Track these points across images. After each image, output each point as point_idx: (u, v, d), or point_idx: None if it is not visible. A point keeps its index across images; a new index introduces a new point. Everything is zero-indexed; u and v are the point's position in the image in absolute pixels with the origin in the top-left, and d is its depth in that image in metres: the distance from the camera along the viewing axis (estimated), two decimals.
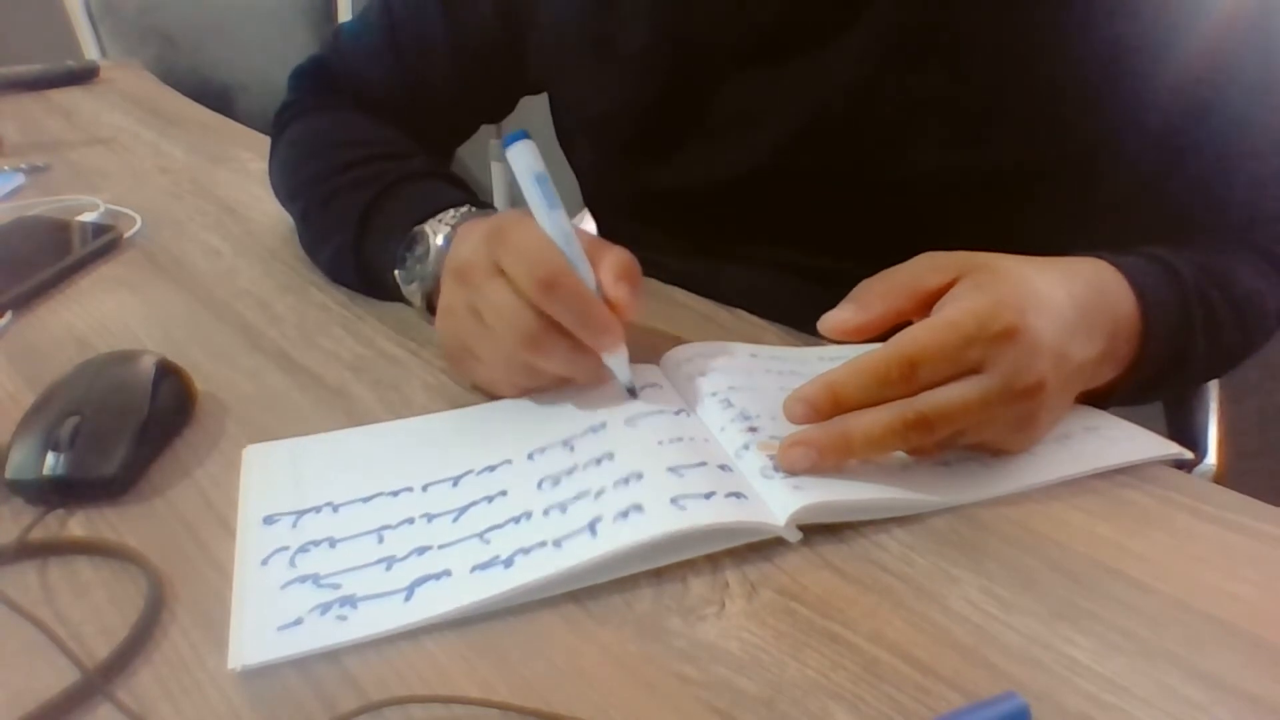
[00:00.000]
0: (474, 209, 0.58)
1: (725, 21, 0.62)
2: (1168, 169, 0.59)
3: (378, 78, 0.74)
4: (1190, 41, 0.55)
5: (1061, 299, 0.45)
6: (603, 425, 0.47)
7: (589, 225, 0.84)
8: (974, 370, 0.42)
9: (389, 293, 0.61)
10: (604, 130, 0.70)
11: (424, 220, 0.58)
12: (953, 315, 0.43)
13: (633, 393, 0.49)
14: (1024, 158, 0.58)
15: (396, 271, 0.59)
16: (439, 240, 0.56)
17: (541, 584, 0.38)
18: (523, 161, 0.48)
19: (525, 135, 0.48)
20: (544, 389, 0.50)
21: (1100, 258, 0.50)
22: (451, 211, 0.58)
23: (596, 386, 0.50)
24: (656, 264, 0.71)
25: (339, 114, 0.75)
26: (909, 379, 0.42)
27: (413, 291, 0.59)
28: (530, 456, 0.46)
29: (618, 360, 0.48)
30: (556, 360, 0.47)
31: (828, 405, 0.43)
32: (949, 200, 0.60)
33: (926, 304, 0.46)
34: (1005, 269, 0.45)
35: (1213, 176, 0.59)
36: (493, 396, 0.52)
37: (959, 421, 0.42)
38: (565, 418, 0.49)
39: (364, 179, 0.64)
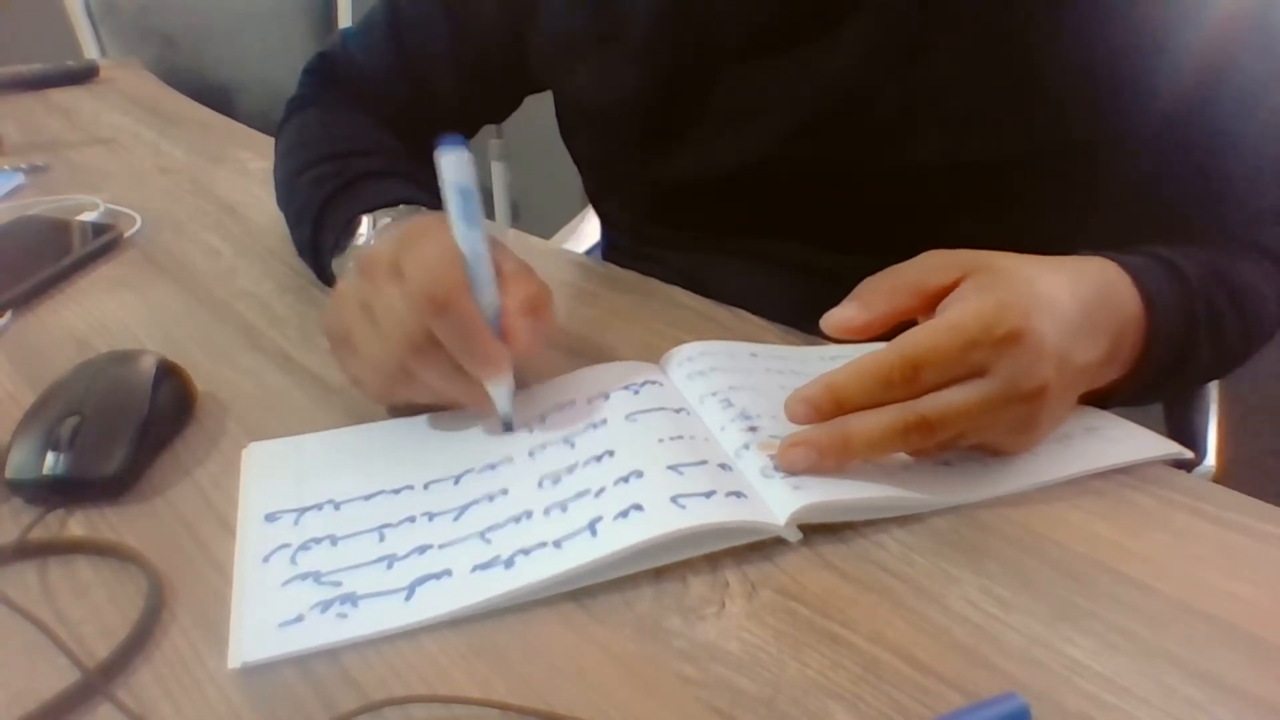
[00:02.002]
0: (423, 208, 0.58)
1: (728, 14, 0.62)
2: (1169, 164, 0.59)
3: (381, 76, 0.75)
4: (1190, 37, 0.55)
5: (1066, 301, 0.45)
6: (603, 421, 0.47)
7: (591, 225, 0.84)
8: (977, 373, 0.42)
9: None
10: (607, 124, 0.70)
11: (369, 212, 0.58)
12: (956, 317, 0.43)
13: (508, 427, 0.48)
14: (1026, 150, 0.58)
15: (334, 259, 0.59)
16: (372, 231, 0.57)
17: (542, 585, 0.38)
18: (450, 172, 0.46)
19: (462, 144, 0.46)
20: (410, 397, 0.49)
21: (1105, 257, 0.50)
22: (403, 206, 0.58)
23: (597, 375, 0.50)
24: (659, 259, 0.71)
25: (330, 111, 0.75)
26: (911, 381, 0.42)
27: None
28: (531, 454, 0.46)
29: (499, 390, 0.47)
30: (435, 374, 0.46)
31: (829, 406, 0.43)
32: (951, 192, 0.60)
33: (930, 303, 0.46)
34: (1010, 270, 0.45)
35: (1214, 172, 0.59)
36: (361, 391, 0.50)
37: (960, 424, 0.42)
38: (566, 413, 0.49)
39: (325, 176, 0.64)
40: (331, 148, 0.68)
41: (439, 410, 0.50)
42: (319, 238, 0.63)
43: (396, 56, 0.74)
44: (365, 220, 0.58)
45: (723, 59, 0.63)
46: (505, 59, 0.73)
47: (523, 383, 0.52)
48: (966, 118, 0.58)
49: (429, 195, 0.61)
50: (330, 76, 0.78)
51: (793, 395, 0.43)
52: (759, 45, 0.62)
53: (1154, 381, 0.51)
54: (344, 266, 0.58)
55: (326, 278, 0.64)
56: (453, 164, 0.46)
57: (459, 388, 0.47)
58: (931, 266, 0.47)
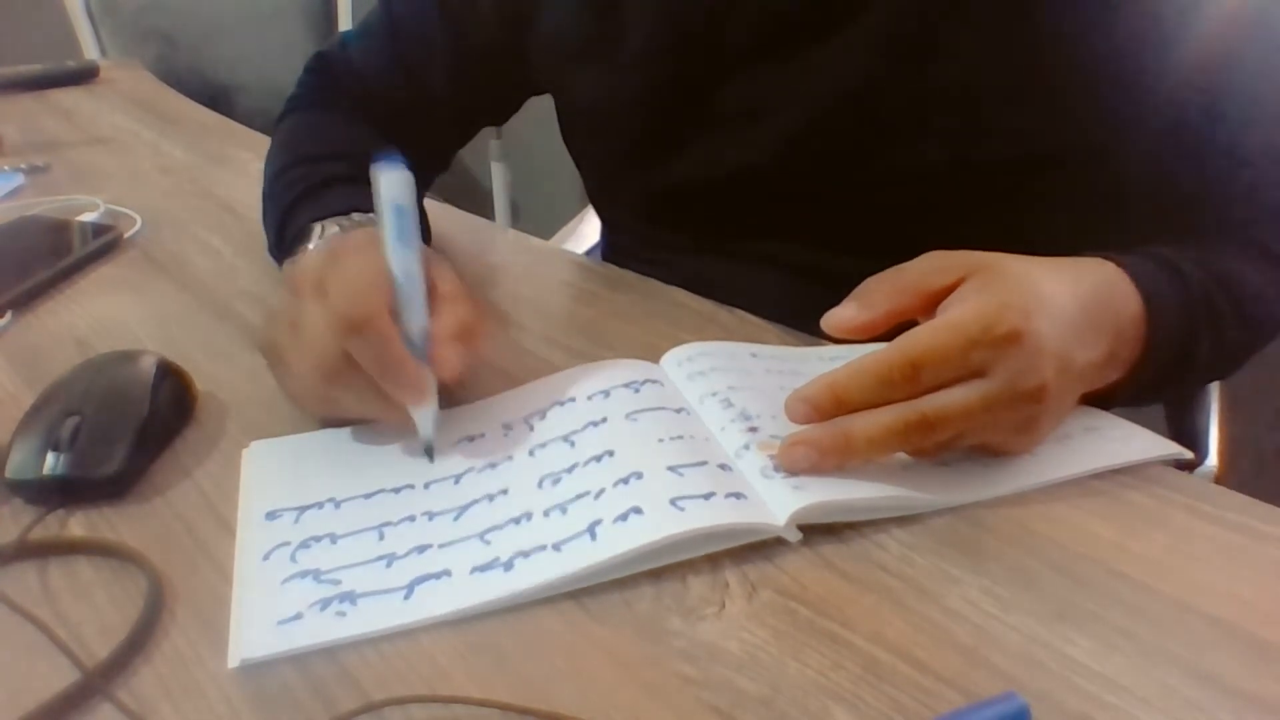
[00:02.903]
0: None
1: (730, 16, 0.62)
2: (1173, 164, 0.59)
3: (377, 78, 0.75)
4: (1196, 35, 0.55)
5: (1066, 301, 0.45)
6: (604, 420, 0.47)
7: (591, 225, 0.84)
8: (977, 373, 0.42)
9: None
10: (609, 127, 0.70)
11: (321, 220, 0.58)
12: (957, 317, 0.43)
13: (429, 454, 0.47)
14: (1030, 151, 0.58)
15: (285, 264, 0.59)
16: (321, 239, 0.56)
17: (540, 588, 0.38)
18: (386, 190, 0.45)
19: (400, 163, 0.46)
20: (336, 414, 0.48)
21: (1105, 258, 0.50)
22: (355, 215, 0.58)
23: (598, 373, 0.50)
24: (661, 261, 0.71)
25: (323, 113, 0.76)
26: (911, 381, 0.42)
27: None
28: (531, 452, 0.46)
29: (422, 415, 0.46)
30: (352, 398, 0.46)
31: (829, 405, 0.43)
32: (955, 193, 0.60)
33: (931, 304, 0.46)
34: (1010, 270, 0.45)
35: (1217, 172, 0.59)
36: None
37: (960, 424, 0.42)
38: (566, 411, 0.49)
39: (298, 178, 0.65)
40: (309, 150, 0.69)
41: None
42: (281, 241, 0.63)
43: (393, 59, 0.74)
44: (316, 228, 0.57)
45: (726, 62, 0.63)
46: (503, 62, 0.73)
47: (522, 381, 0.53)
48: (973, 118, 0.58)
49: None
50: (328, 78, 0.78)
51: (793, 395, 0.43)
52: (764, 48, 0.62)
53: (1155, 382, 0.51)
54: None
55: None
56: (389, 182, 0.45)
57: (379, 410, 0.46)
58: (932, 267, 0.47)
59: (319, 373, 0.45)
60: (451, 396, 0.51)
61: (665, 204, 0.70)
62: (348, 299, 0.44)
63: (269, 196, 0.68)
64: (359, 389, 0.45)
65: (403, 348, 0.44)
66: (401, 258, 0.45)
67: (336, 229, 0.57)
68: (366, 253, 0.46)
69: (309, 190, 0.62)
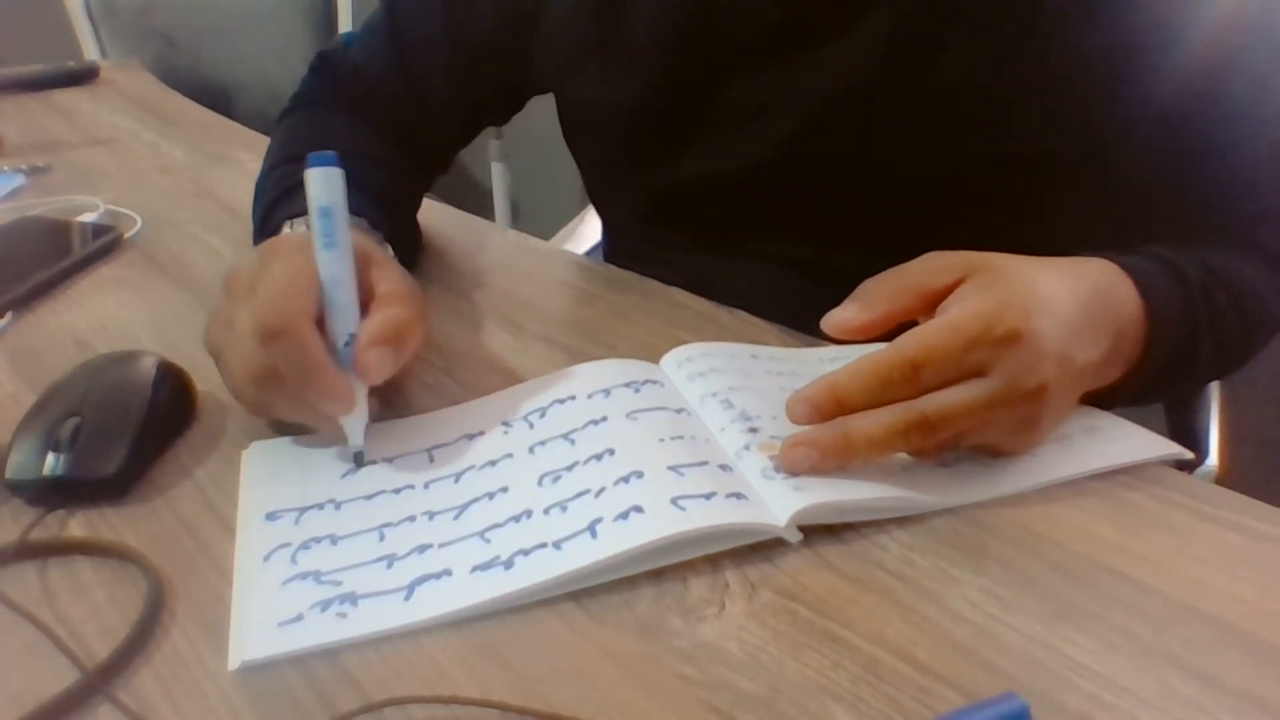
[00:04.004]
0: (357, 219, 0.57)
1: (732, 15, 0.62)
2: (1174, 163, 0.59)
3: (379, 78, 0.75)
4: (1196, 35, 0.55)
5: (1066, 301, 0.45)
6: (604, 418, 0.47)
7: (591, 225, 0.84)
8: (977, 373, 0.42)
9: None
10: (611, 127, 0.70)
11: (293, 219, 0.58)
12: (957, 317, 0.43)
13: (359, 462, 0.46)
14: (1034, 149, 0.58)
15: None
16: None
17: (541, 587, 0.38)
18: (314, 190, 0.45)
19: (331, 161, 0.45)
20: (273, 416, 0.48)
21: (1105, 258, 0.50)
22: None
23: (598, 372, 0.50)
24: (662, 261, 0.71)
25: (323, 112, 0.76)
26: (912, 381, 0.42)
27: None
28: (531, 450, 0.46)
29: (351, 422, 0.45)
30: (282, 403, 0.46)
31: (830, 406, 0.43)
32: (956, 193, 0.60)
33: (931, 304, 0.46)
34: (1010, 270, 0.45)
35: (1217, 172, 0.59)
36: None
37: (961, 424, 0.42)
38: (566, 409, 0.49)
39: (284, 175, 0.65)
40: (299, 149, 0.68)
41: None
42: (259, 240, 0.63)
43: (395, 59, 0.74)
44: (286, 226, 0.57)
45: (729, 63, 0.63)
46: (504, 63, 0.73)
47: (522, 380, 0.53)
48: (974, 117, 0.58)
49: (377, 206, 0.61)
50: (331, 78, 0.78)
51: (794, 395, 0.43)
52: (765, 48, 0.62)
53: (1155, 381, 0.51)
54: None
55: None
56: (316, 182, 0.45)
57: (309, 416, 0.46)
58: (932, 268, 0.47)
59: (247, 377, 0.45)
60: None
61: (666, 203, 0.71)
62: (269, 305, 0.43)
63: (257, 194, 0.68)
64: (287, 395, 0.45)
65: (323, 355, 0.43)
66: (327, 260, 0.45)
67: (304, 228, 0.56)
68: (295, 257, 0.46)
69: (289, 189, 0.62)
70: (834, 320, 0.46)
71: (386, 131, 0.73)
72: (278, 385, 0.44)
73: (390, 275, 0.49)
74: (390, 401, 0.52)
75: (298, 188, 0.62)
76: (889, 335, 0.45)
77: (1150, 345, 0.50)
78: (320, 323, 0.45)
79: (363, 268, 0.47)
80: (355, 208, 0.58)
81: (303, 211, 0.55)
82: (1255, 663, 0.35)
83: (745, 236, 0.68)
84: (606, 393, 0.49)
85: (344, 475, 0.46)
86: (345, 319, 0.45)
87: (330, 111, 0.76)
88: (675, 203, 0.70)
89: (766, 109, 0.63)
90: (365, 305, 0.47)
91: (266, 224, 0.62)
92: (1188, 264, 0.53)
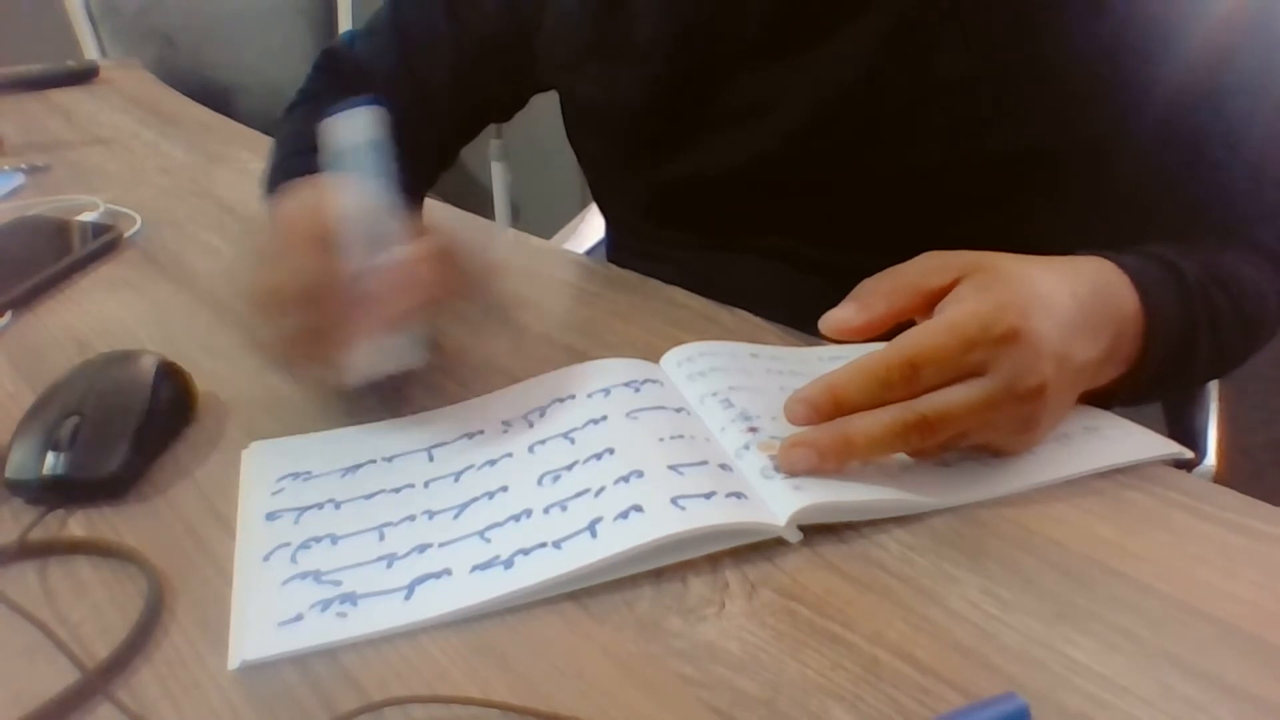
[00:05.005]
0: None
1: (733, 11, 0.62)
2: (1176, 159, 0.59)
3: (384, 74, 0.75)
4: (1195, 35, 0.55)
5: (1064, 300, 0.45)
6: (604, 418, 0.47)
7: (592, 225, 0.85)
8: (976, 373, 0.42)
9: None
10: (613, 123, 0.71)
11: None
12: (955, 317, 0.43)
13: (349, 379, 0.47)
14: (1033, 146, 0.58)
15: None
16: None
17: (541, 586, 0.38)
18: (348, 134, 0.48)
19: (372, 103, 0.48)
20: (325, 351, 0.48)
21: (1103, 257, 0.50)
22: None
23: (598, 371, 0.50)
24: (664, 257, 0.71)
25: (328, 106, 0.76)
26: (910, 381, 0.42)
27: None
28: (531, 449, 0.46)
29: (376, 346, 0.46)
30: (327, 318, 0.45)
31: (828, 406, 0.43)
32: (958, 190, 0.60)
33: (929, 304, 0.46)
34: (1008, 269, 0.45)
35: (1216, 171, 0.59)
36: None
37: (960, 424, 0.42)
38: (566, 409, 0.49)
39: (291, 171, 0.64)
40: (305, 143, 0.69)
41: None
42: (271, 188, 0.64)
43: (400, 56, 0.75)
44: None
45: (730, 59, 0.63)
46: (509, 60, 0.73)
47: (522, 379, 0.53)
48: (973, 114, 0.58)
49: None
50: (336, 74, 0.79)
51: (792, 396, 0.43)
52: (768, 43, 0.62)
53: (1154, 380, 0.51)
54: None
55: None
56: (365, 120, 0.48)
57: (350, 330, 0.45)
58: (929, 268, 0.47)
59: (299, 292, 0.45)
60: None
61: (668, 200, 0.71)
62: (307, 225, 0.45)
63: (273, 180, 0.68)
64: (330, 312, 0.45)
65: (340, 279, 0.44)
66: (375, 190, 0.47)
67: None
68: (323, 187, 0.48)
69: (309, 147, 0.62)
70: (832, 321, 0.46)
71: (392, 126, 0.73)
72: (329, 300, 0.44)
73: (441, 228, 0.50)
74: (390, 402, 0.52)
75: (301, 157, 0.63)
76: (888, 336, 0.45)
77: (1148, 344, 0.50)
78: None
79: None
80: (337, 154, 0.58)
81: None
82: (1255, 663, 0.35)
83: (747, 233, 0.68)
84: (606, 392, 0.49)
85: (344, 475, 0.46)
86: (383, 241, 0.46)
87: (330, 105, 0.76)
88: (676, 200, 0.70)
89: (767, 106, 0.63)
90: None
91: (280, 173, 0.63)
92: (1186, 263, 0.53)
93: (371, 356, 0.46)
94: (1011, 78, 0.57)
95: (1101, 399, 0.50)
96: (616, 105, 0.68)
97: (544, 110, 0.77)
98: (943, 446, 0.44)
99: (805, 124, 0.62)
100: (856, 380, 0.42)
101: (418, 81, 0.74)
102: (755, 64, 0.63)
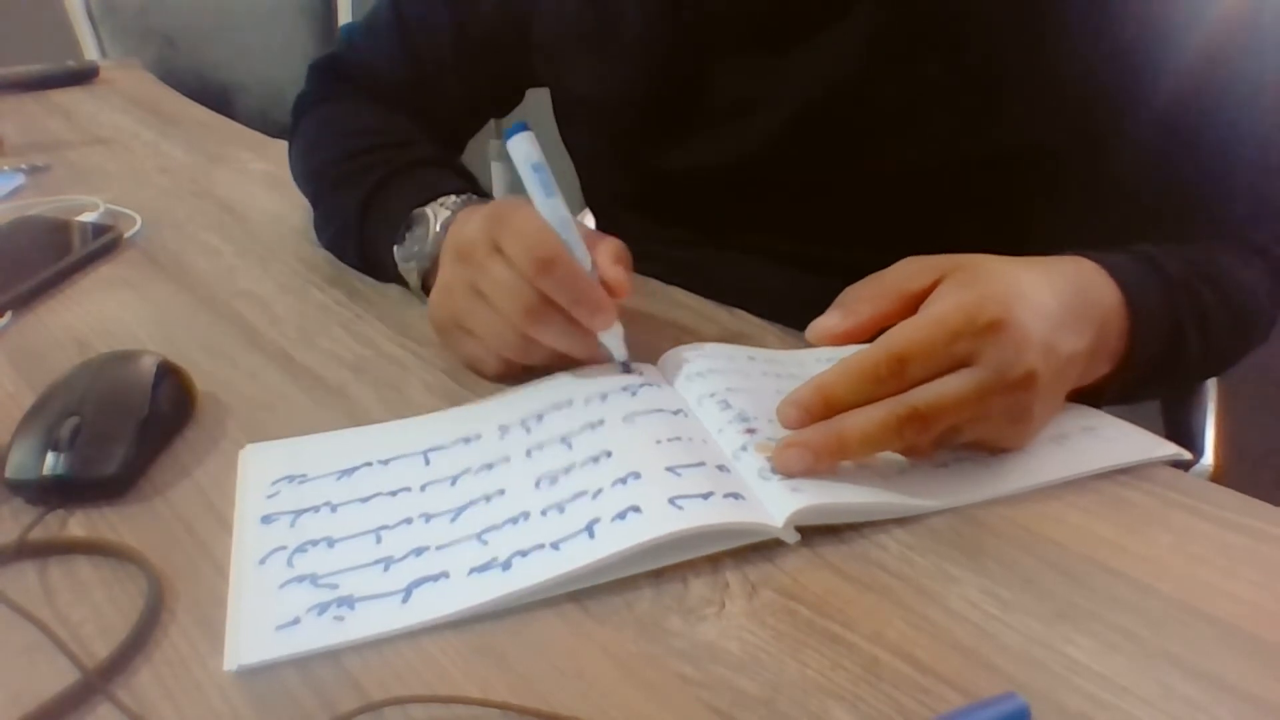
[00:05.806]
0: (474, 196, 0.60)
1: (724, 7, 0.62)
2: (1171, 159, 0.59)
3: (385, 71, 0.76)
4: (1191, 35, 0.55)
5: (1045, 294, 0.46)
6: (601, 422, 0.47)
7: (587, 220, 0.85)
8: (963, 363, 0.42)
9: (387, 273, 0.63)
10: (603, 118, 0.71)
11: (425, 204, 0.60)
12: (939, 311, 0.43)
13: (626, 368, 0.51)
14: (1024, 144, 0.58)
15: (395, 248, 0.61)
16: (438, 223, 0.58)
17: (539, 588, 0.38)
18: (521, 151, 0.50)
19: (525, 127, 0.50)
20: (531, 362, 0.52)
21: (1082, 255, 0.51)
22: (453, 198, 0.60)
23: (595, 377, 0.51)
24: (654, 254, 0.71)
25: (350, 104, 0.77)
26: (899, 376, 0.42)
27: (409, 270, 0.61)
28: (528, 453, 0.46)
29: (612, 337, 0.51)
30: (553, 333, 0.49)
31: (819, 407, 0.43)
32: (949, 187, 0.60)
33: (912, 305, 0.46)
34: (988, 267, 0.46)
35: (1212, 170, 0.59)
36: (478, 374, 0.54)
37: (953, 415, 0.42)
38: (563, 414, 0.49)
39: (372, 164, 0.66)
40: (370, 139, 0.70)
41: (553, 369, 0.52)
42: (365, 225, 0.64)
43: (402, 52, 0.75)
44: (430, 210, 0.59)
45: (719, 53, 0.63)
46: (507, 52, 0.73)
47: (519, 383, 0.53)
48: (963, 112, 0.58)
49: (468, 181, 0.64)
50: (339, 75, 0.79)
51: (784, 400, 0.43)
52: (757, 39, 0.62)
53: (1144, 376, 0.51)
54: (410, 253, 0.60)
55: (370, 266, 0.66)
56: (522, 145, 0.50)
57: (574, 342, 0.50)
58: (912, 271, 0.47)
59: (520, 316, 0.48)
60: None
61: (658, 196, 0.71)
62: (530, 245, 0.48)
63: (330, 184, 0.69)
64: (557, 323, 0.49)
65: (589, 277, 0.49)
66: (551, 207, 0.50)
67: (448, 213, 0.59)
68: (524, 207, 0.50)
69: (389, 176, 0.64)
70: (818, 329, 0.47)
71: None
72: (549, 318, 0.49)
73: (581, 223, 0.52)
74: (390, 402, 0.53)
75: (406, 171, 0.64)
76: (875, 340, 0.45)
77: (1133, 338, 0.50)
78: None
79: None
80: (459, 187, 0.61)
81: (440, 194, 0.59)
82: (1255, 663, 0.35)
83: (738, 228, 0.68)
84: (603, 397, 0.49)
85: (340, 478, 0.46)
86: (580, 252, 0.50)
87: (356, 102, 0.76)
88: (665, 195, 0.70)
89: (756, 103, 0.63)
90: None
91: (378, 207, 0.64)
92: (1168, 260, 0.53)
93: (615, 344, 0.51)
94: (1002, 77, 0.57)
95: (1093, 396, 0.50)
96: (605, 99, 0.69)
97: (543, 111, 0.77)
98: (937, 444, 0.44)
99: (795, 121, 0.62)
100: (846, 379, 0.43)
101: (420, 77, 0.75)
102: (744, 60, 0.63)
